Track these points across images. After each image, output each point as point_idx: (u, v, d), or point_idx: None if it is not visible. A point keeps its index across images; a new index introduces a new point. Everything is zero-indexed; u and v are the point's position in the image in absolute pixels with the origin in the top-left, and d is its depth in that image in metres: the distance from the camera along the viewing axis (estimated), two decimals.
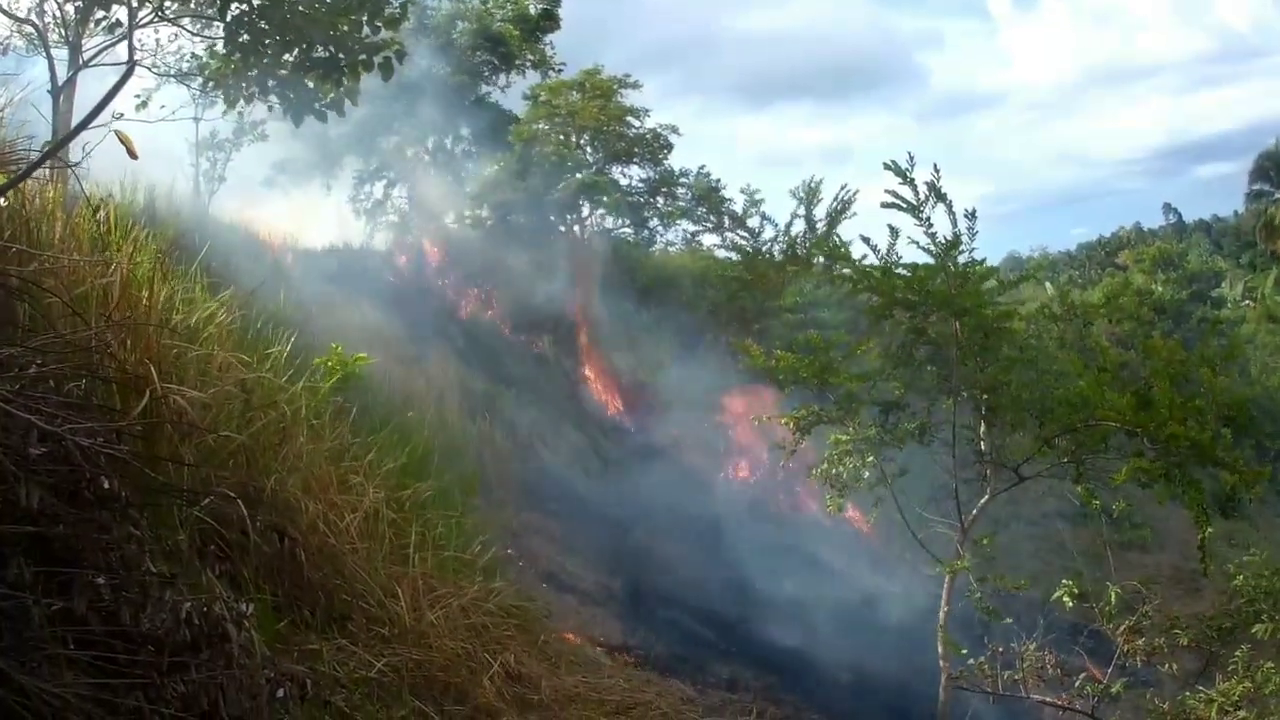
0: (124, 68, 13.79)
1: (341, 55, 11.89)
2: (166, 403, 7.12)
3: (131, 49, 10.98)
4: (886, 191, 15.48)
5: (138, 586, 5.17)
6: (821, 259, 39.37)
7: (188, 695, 4.94)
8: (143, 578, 5.25)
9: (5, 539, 4.59)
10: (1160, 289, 56.36)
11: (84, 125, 5.01)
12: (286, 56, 12.80)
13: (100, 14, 13.89)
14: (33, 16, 14.49)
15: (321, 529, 9.29)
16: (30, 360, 5.66)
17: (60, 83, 13.98)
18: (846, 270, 16.39)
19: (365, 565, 9.82)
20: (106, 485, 5.35)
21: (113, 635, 4.90)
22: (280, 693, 5.53)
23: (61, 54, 14.48)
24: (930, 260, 15.33)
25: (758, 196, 45.41)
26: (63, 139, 4.81)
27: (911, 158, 15.38)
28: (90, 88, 17.46)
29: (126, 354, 7.08)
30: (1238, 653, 16.49)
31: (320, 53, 11.95)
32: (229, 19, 11.68)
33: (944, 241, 15.19)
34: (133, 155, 5.04)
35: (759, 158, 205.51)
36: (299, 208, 37.41)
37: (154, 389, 6.94)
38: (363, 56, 11.74)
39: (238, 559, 7.29)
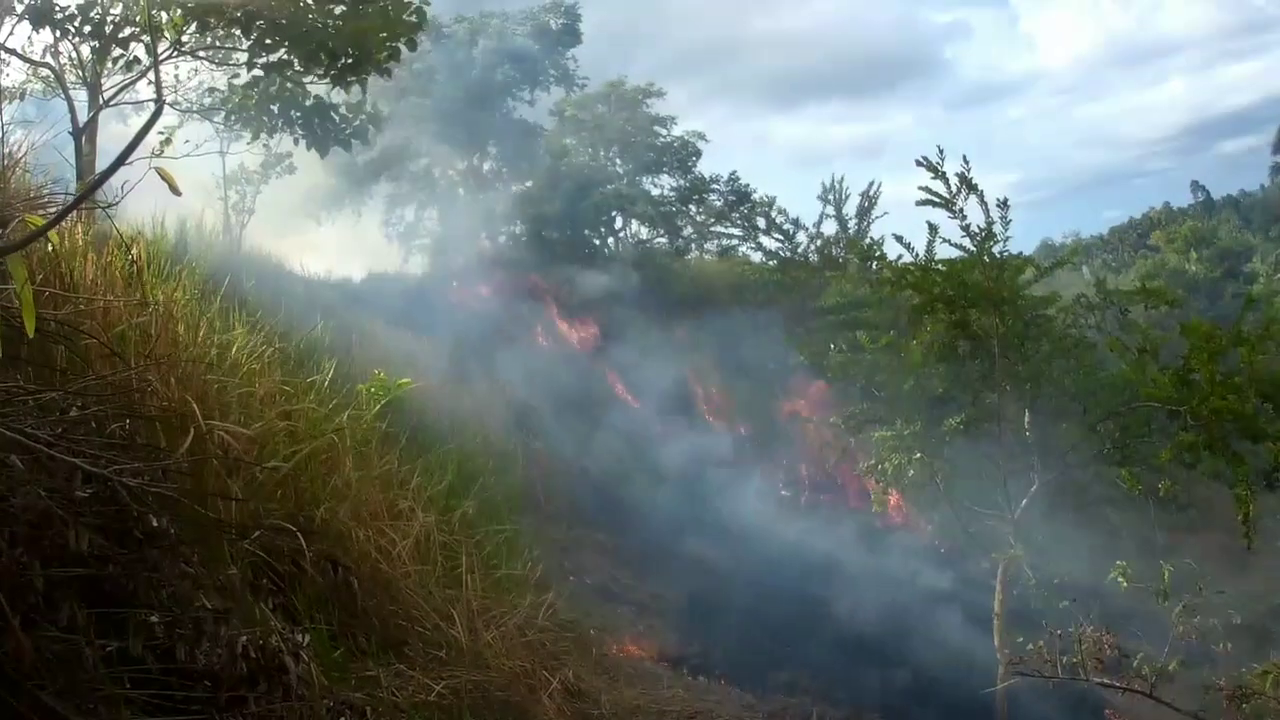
0: (145, 105, 13.85)
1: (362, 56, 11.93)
2: (211, 438, 7.11)
3: (159, 85, 10.94)
4: (920, 189, 15.51)
5: (191, 623, 5.15)
6: (857, 260, 39.49)
7: None
8: (196, 614, 5.23)
9: (56, 583, 4.57)
10: (1193, 267, 56.10)
11: (120, 163, 4.98)
12: (309, 77, 12.82)
13: (118, 52, 13.89)
14: (49, 58, 14.50)
15: (373, 556, 9.28)
16: (71, 403, 5.65)
17: (81, 124, 13.98)
18: (883, 270, 16.37)
19: (418, 589, 9.80)
20: (155, 523, 5.33)
21: (168, 673, 4.88)
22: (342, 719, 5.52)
23: (80, 95, 14.47)
24: (965, 254, 15.32)
25: (779, 205, 45.32)
26: (100, 177, 4.78)
27: (941, 151, 15.40)
28: (112, 127, 17.50)
29: (169, 391, 7.07)
30: None
31: (343, 60, 11.98)
32: (253, 38, 11.72)
33: (979, 232, 15.18)
34: (175, 192, 5.02)
35: (792, 158, 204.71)
36: (330, 237, 37.55)
37: (198, 425, 6.94)
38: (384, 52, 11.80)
39: (290, 591, 7.27)
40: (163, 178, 5.03)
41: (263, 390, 9.10)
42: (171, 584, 5.32)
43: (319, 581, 7.90)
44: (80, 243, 8.01)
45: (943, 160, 15.35)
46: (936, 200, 15.41)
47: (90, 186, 4.93)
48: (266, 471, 8.01)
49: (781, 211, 44.69)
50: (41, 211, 5.45)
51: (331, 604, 8.13)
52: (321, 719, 5.39)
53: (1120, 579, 15.26)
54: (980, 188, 15.30)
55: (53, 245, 7.08)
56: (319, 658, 6.05)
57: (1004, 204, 15.46)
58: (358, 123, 15.23)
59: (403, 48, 12.00)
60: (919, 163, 15.51)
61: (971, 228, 15.28)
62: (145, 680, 4.74)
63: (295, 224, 36.32)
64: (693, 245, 47.59)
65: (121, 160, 5.04)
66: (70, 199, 5.33)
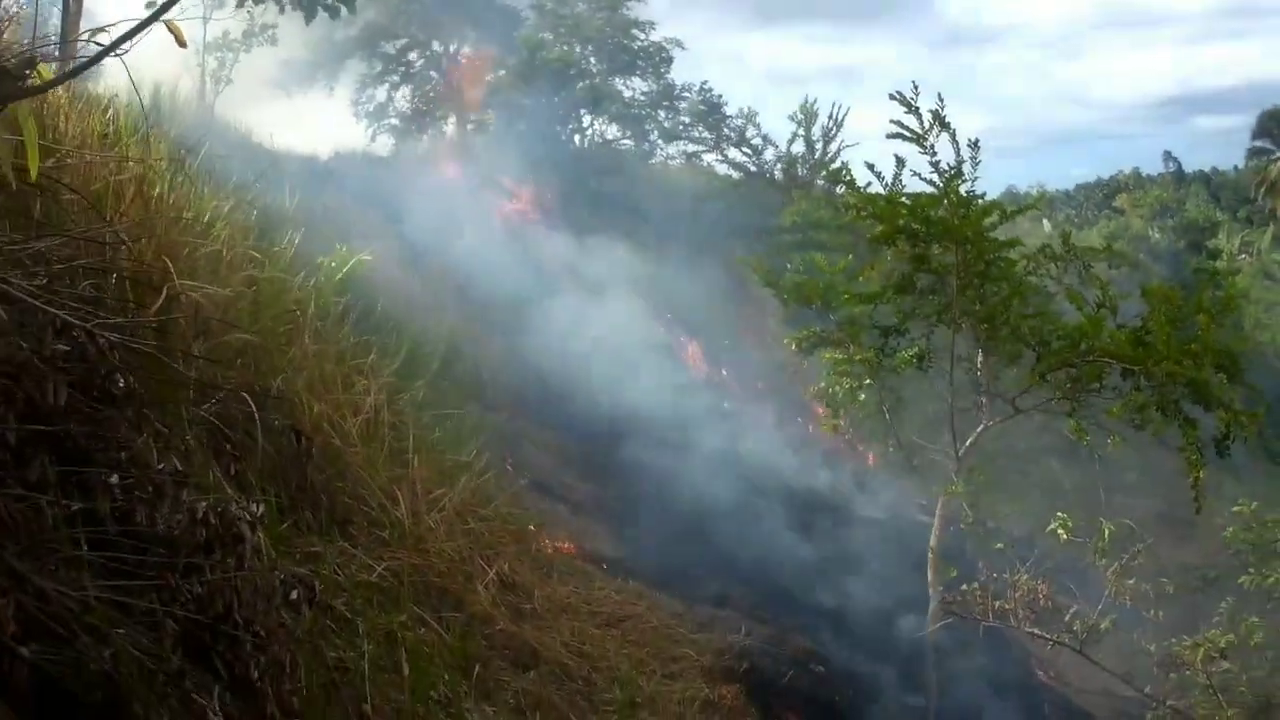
0: None
1: None
2: (181, 299, 7.12)
3: None
4: (892, 121, 15.55)
5: (151, 486, 5.16)
6: (822, 182, 39.53)
7: (202, 597, 4.94)
8: (156, 476, 5.24)
9: (25, 439, 4.58)
10: (1157, 235, 56.42)
11: (156, 18, 4.97)
12: None
13: None
14: None
15: (326, 429, 9.33)
16: (54, 255, 5.64)
17: None
18: (849, 196, 16.40)
19: (366, 467, 9.86)
20: (122, 382, 5.33)
21: (124, 536, 4.90)
22: (293, 595, 5.56)
23: None
24: (933, 191, 15.38)
25: (757, 118, 45.44)
26: (140, 24, 4.75)
27: (916, 87, 15.44)
28: None
29: (143, 249, 7.07)
30: (1223, 604, 16.68)
31: None
32: None
33: (947, 169, 15.24)
34: (182, 44, 5.04)
35: (767, 75, 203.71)
36: (301, 111, 37.26)
37: (171, 285, 6.94)
38: None
39: (243, 459, 7.29)
40: (171, 30, 5.03)
41: (230, 255, 9.08)
42: (131, 445, 5.33)
43: (270, 452, 7.92)
44: (61, 99, 7.97)
45: (917, 96, 15.40)
46: (908, 135, 15.45)
47: (123, 37, 4.91)
48: (228, 338, 8.02)
49: (755, 125, 44.83)
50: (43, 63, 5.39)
51: (281, 476, 8.16)
52: (275, 591, 5.42)
53: (1061, 530, 15.42)
54: (953, 126, 15.37)
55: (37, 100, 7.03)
56: (267, 530, 6.08)
57: (975, 144, 15.50)
58: None
59: None
60: (893, 97, 15.55)
61: (941, 164, 15.33)
62: (102, 543, 4.75)
63: (267, 96, 36.07)
64: (658, 150, 47.61)
65: (161, 13, 5.05)
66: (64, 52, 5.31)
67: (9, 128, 5.20)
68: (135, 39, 4.92)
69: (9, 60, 4.95)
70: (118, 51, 4.93)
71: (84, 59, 5.27)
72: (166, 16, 5.08)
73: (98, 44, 5.01)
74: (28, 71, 4.91)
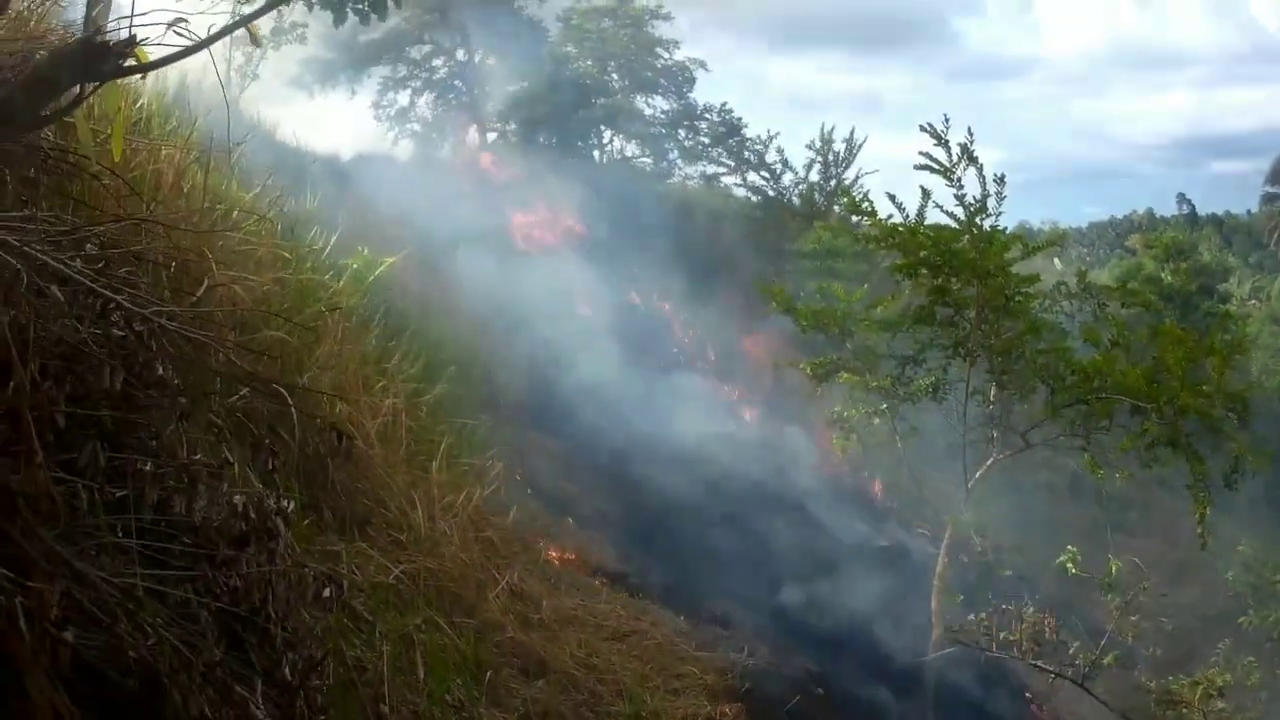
0: None
1: None
2: (217, 292, 7.15)
3: None
4: (920, 153, 15.61)
5: (187, 476, 5.17)
6: (839, 210, 39.55)
7: (236, 590, 4.96)
8: (194, 467, 5.25)
9: (75, 422, 4.58)
10: (1169, 277, 56.39)
11: (254, 17, 5.06)
12: None
13: None
14: None
15: (348, 430, 9.35)
16: (101, 238, 5.66)
17: None
18: (869, 225, 16.46)
19: (385, 470, 9.89)
20: (161, 371, 5.34)
21: (160, 525, 4.91)
22: (326, 593, 5.57)
23: None
24: (953, 224, 15.44)
25: (777, 141, 45.48)
26: (255, 13, 4.82)
27: (947, 119, 15.50)
28: None
29: (182, 240, 7.09)
30: (1220, 645, 16.75)
31: None
32: None
33: (972, 203, 15.29)
34: (255, 43, 5.14)
35: (787, 101, 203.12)
36: (323, 111, 37.39)
37: (211, 276, 6.98)
38: None
39: (268, 457, 7.31)
40: (249, 32, 5.11)
41: (262, 251, 9.11)
42: (166, 435, 5.33)
43: (293, 450, 7.94)
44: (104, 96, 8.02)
45: (947, 129, 15.46)
46: (935, 167, 15.51)
47: (237, 24, 4.98)
48: (259, 334, 8.04)
49: (778, 149, 44.88)
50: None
51: (305, 475, 8.18)
52: (309, 586, 5.44)
53: (1069, 565, 15.49)
54: (980, 160, 15.43)
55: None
56: (291, 528, 6.10)
57: (1001, 179, 15.58)
58: None
59: None
60: (923, 129, 15.60)
61: (966, 198, 15.37)
62: (139, 531, 4.77)
63: (290, 95, 36.20)
64: (676, 170, 47.67)
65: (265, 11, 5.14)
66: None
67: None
68: (226, 35, 4.98)
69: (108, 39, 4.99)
70: (201, 45, 4.98)
71: (177, 49, 5.27)
72: (200, 10, 5.15)
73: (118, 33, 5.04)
74: (127, 50, 4.95)
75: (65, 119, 5.83)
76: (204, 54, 5.39)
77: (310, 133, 28.70)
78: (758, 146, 45.39)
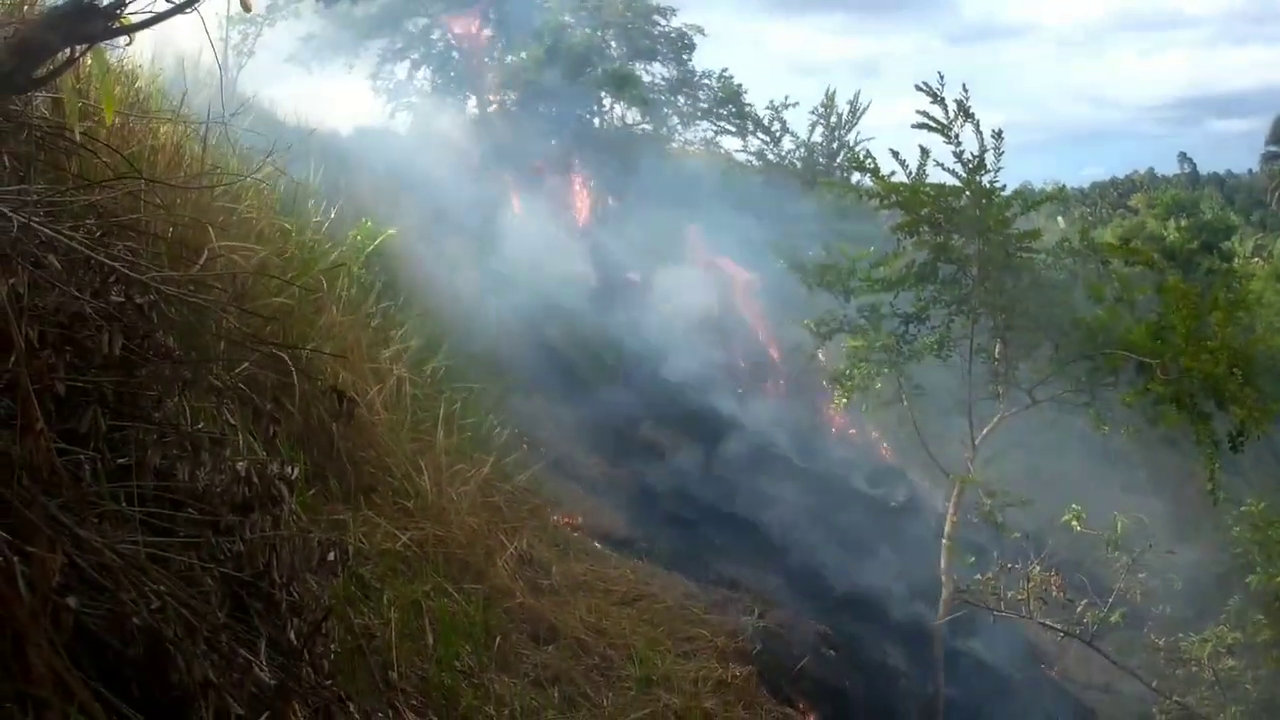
0: None
1: None
2: (217, 261, 7.15)
3: None
4: (918, 112, 15.59)
5: (189, 444, 5.18)
6: (842, 170, 39.51)
7: (240, 555, 4.96)
8: (196, 434, 5.26)
9: (74, 390, 4.58)
10: (1171, 235, 56.28)
11: None
12: None
13: None
14: None
15: (351, 395, 9.36)
16: (98, 208, 5.67)
17: None
18: (871, 184, 16.44)
19: (390, 437, 9.91)
20: (161, 339, 5.35)
21: (163, 492, 4.91)
22: (330, 557, 5.57)
23: None
24: (955, 182, 15.41)
25: (784, 104, 45.47)
26: None
27: (942, 78, 15.46)
28: None
29: (182, 211, 7.09)
30: (1230, 602, 16.73)
31: None
32: None
33: (971, 160, 15.26)
34: (247, 8, 5.09)
35: (787, 65, 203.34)
36: (320, 86, 37.27)
37: (212, 246, 6.98)
38: None
39: (279, 422, 7.32)
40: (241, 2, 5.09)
41: (263, 224, 9.13)
42: (169, 402, 5.34)
43: (296, 418, 7.96)
44: (89, 65, 8.02)
45: (943, 87, 15.42)
46: (933, 125, 15.48)
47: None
48: (259, 304, 8.04)
49: (779, 111, 44.88)
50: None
51: (309, 441, 8.20)
52: (314, 552, 5.44)
53: (1074, 522, 15.50)
54: (977, 117, 15.39)
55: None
56: (295, 494, 6.10)
57: (998, 134, 15.53)
58: None
59: None
60: (919, 87, 15.57)
61: (964, 155, 15.34)
62: (141, 498, 4.77)
63: (287, 71, 36.10)
64: (676, 135, 47.56)
65: None
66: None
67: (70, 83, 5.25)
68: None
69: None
70: (188, 10, 4.96)
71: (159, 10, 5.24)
72: None
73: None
74: (118, 11, 4.94)
75: (56, 95, 5.84)
76: (201, 33, 5.39)
77: (309, 108, 28.69)
78: (756, 111, 45.39)
